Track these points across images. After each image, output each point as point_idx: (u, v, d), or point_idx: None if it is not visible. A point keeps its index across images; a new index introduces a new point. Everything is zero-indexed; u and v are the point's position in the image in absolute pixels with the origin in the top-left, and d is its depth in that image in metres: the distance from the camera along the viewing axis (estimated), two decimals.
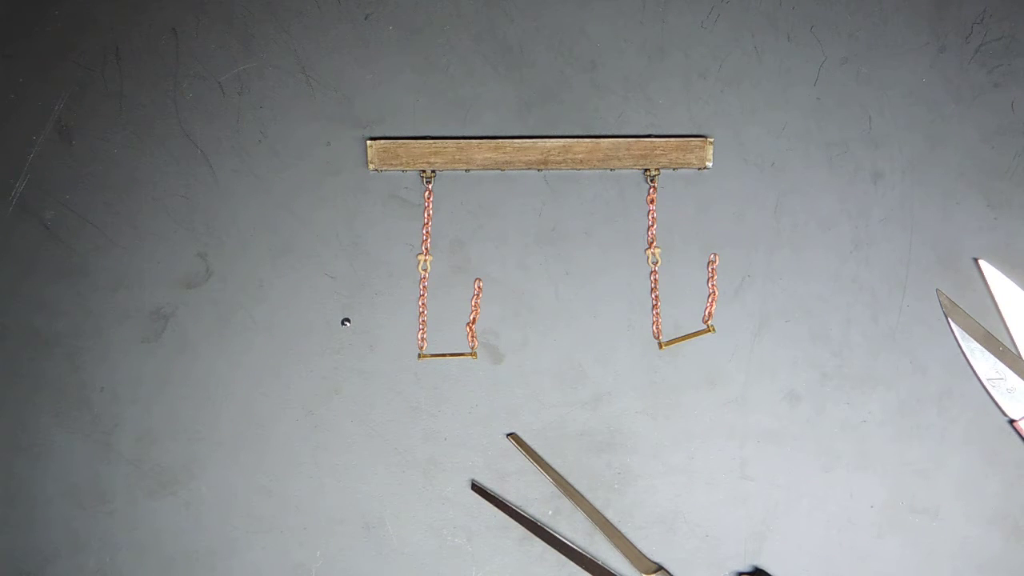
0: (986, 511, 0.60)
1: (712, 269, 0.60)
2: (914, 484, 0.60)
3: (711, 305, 0.60)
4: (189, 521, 0.60)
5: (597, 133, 0.60)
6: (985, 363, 0.58)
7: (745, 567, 0.59)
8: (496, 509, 0.59)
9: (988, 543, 0.60)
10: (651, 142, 0.59)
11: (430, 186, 0.60)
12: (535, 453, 0.59)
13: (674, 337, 0.60)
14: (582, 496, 0.59)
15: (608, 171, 0.60)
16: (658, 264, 0.60)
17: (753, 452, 0.60)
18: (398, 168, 0.59)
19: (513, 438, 0.59)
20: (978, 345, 0.58)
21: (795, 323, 0.60)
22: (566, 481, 0.59)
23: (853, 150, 0.60)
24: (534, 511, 0.60)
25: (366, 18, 0.60)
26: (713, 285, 0.60)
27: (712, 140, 0.59)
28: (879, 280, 0.60)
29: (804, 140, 0.60)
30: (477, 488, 0.59)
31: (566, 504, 0.60)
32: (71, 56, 0.60)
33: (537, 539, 0.60)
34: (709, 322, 0.60)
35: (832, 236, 0.60)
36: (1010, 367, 0.58)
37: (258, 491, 0.60)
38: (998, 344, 0.58)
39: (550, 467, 0.59)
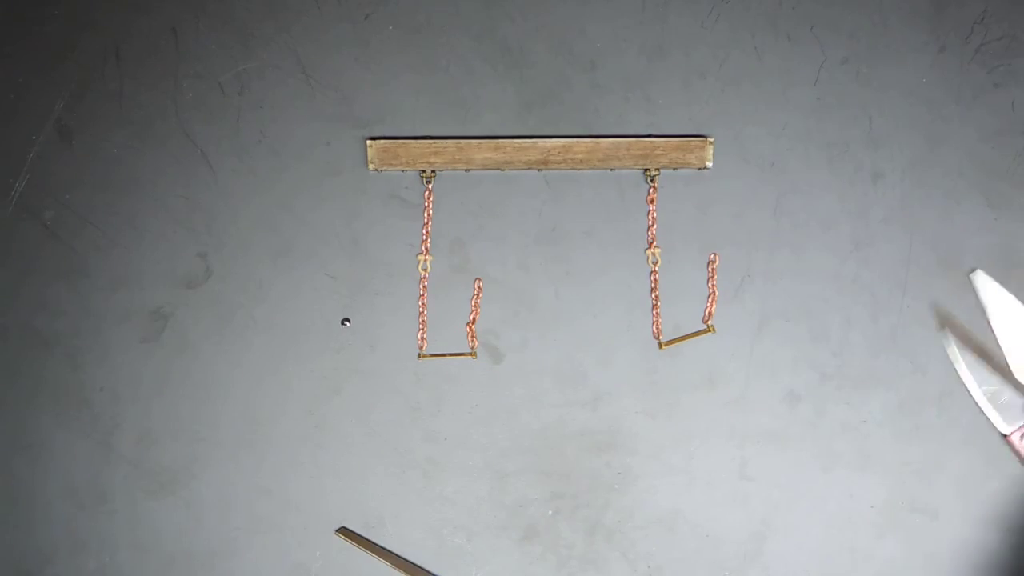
0: (986, 511, 0.60)
1: (712, 269, 0.60)
2: (914, 484, 0.60)
3: (711, 305, 0.60)
4: (189, 521, 0.60)
5: (597, 133, 0.60)
6: (978, 378, 0.58)
7: None
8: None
9: (988, 543, 0.60)
10: (651, 142, 0.59)
11: (430, 186, 0.60)
12: (370, 543, 0.59)
13: (674, 337, 0.60)
14: (424, 570, 0.59)
15: (608, 171, 0.60)
16: (658, 264, 0.60)
17: (753, 452, 0.60)
18: (398, 168, 0.59)
19: (343, 533, 0.59)
20: (973, 359, 0.58)
21: (795, 323, 0.60)
22: (406, 562, 0.59)
23: (853, 150, 0.60)
24: (534, 511, 0.60)
25: (366, 18, 0.60)
26: (713, 285, 0.60)
27: (712, 140, 0.59)
28: (879, 280, 0.60)
29: (804, 140, 0.60)
30: (345, 533, 0.59)
31: (566, 504, 0.60)
32: (71, 56, 0.60)
33: (537, 539, 0.60)
34: (709, 322, 0.60)
35: (832, 236, 0.60)
36: (1002, 382, 0.57)
37: (258, 491, 0.60)
38: (991, 358, 0.58)
39: (387, 553, 0.59)
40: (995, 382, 0.57)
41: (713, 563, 0.60)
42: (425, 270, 0.60)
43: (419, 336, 0.60)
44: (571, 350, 0.60)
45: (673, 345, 0.60)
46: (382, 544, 0.60)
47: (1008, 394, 0.57)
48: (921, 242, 0.60)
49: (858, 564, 0.60)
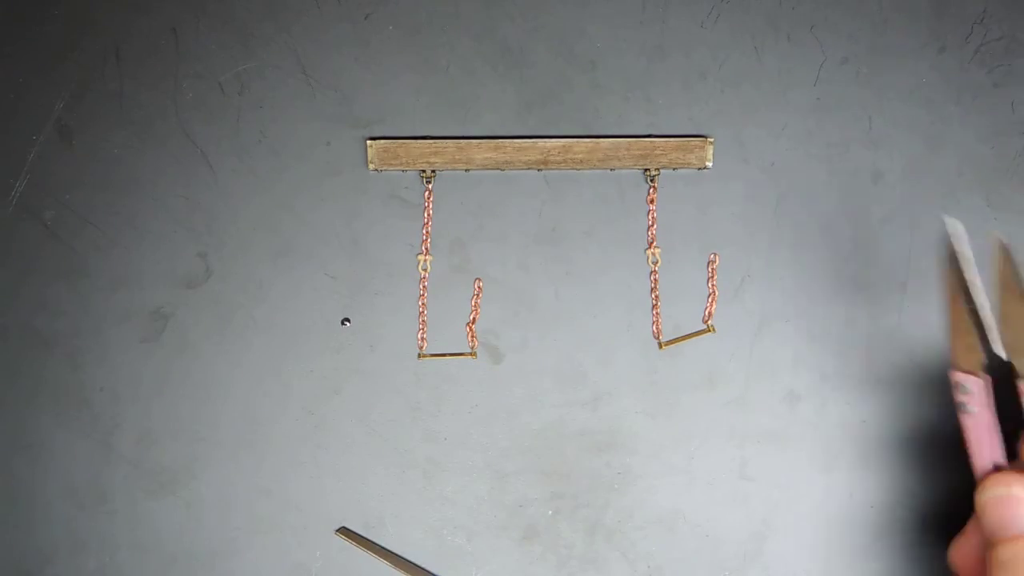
0: None
1: (712, 269, 0.60)
2: (914, 484, 0.60)
3: (711, 305, 0.60)
4: (189, 521, 0.60)
5: (597, 133, 0.60)
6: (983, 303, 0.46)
7: None
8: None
9: None
10: (651, 142, 0.59)
11: (430, 186, 0.60)
12: (370, 543, 0.59)
13: (674, 337, 0.60)
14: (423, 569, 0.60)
15: (608, 171, 0.60)
16: (658, 264, 0.60)
17: (753, 452, 0.60)
18: (398, 168, 0.59)
19: (343, 533, 0.59)
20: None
21: (795, 323, 0.60)
22: (406, 562, 0.59)
23: (853, 150, 0.60)
24: (534, 511, 0.60)
25: (366, 18, 0.60)
26: (713, 285, 0.60)
27: (712, 140, 0.59)
28: (879, 280, 0.60)
29: (804, 140, 0.60)
30: (345, 533, 0.59)
31: (566, 504, 0.60)
32: (71, 56, 0.60)
33: (537, 539, 0.60)
34: (709, 322, 0.60)
35: (832, 236, 0.60)
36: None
37: (258, 491, 0.60)
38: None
39: (387, 553, 0.59)
40: (978, 324, 0.46)
41: (713, 563, 0.60)
42: (425, 270, 0.60)
43: (419, 336, 0.60)
44: (571, 350, 0.60)
45: (673, 345, 0.60)
46: (382, 544, 0.60)
47: (979, 341, 0.46)
48: (921, 242, 0.60)
49: (858, 564, 0.60)
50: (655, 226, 0.60)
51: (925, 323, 0.60)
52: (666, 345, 0.60)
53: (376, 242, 0.60)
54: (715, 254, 0.60)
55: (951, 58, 0.60)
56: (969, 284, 0.45)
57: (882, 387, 0.60)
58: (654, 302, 0.60)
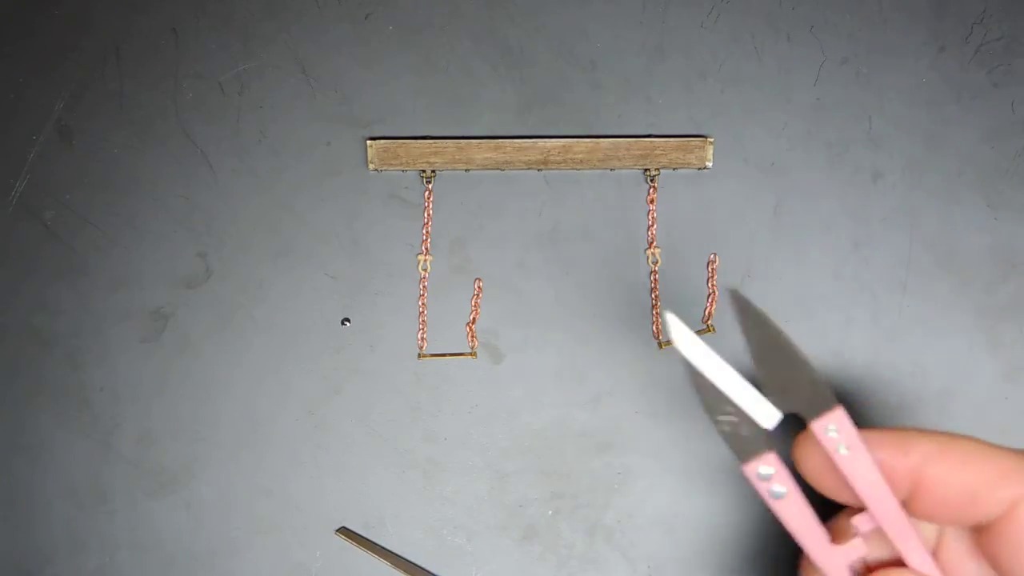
0: None
1: (712, 269, 0.60)
2: None
3: (711, 305, 0.60)
4: (189, 521, 0.60)
5: (597, 133, 0.60)
6: (716, 406, 0.42)
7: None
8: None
9: None
10: (651, 142, 0.59)
11: (430, 186, 0.60)
12: (370, 543, 0.59)
13: None
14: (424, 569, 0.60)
15: (608, 171, 0.60)
16: (658, 264, 0.60)
17: None
18: (398, 168, 0.59)
19: (343, 533, 0.59)
20: (713, 383, 0.43)
21: (795, 323, 0.60)
22: (406, 562, 0.59)
23: (853, 150, 0.60)
24: (534, 511, 0.60)
25: (366, 18, 0.60)
26: (713, 285, 0.60)
27: (712, 140, 0.59)
28: (879, 280, 0.60)
29: (804, 140, 0.60)
30: (345, 533, 0.59)
31: (566, 504, 0.60)
32: (71, 56, 0.60)
33: (537, 539, 0.60)
34: (709, 322, 0.60)
35: (832, 236, 0.60)
36: (742, 411, 0.43)
37: (258, 491, 0.60)
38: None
39: (387, 553, 0.59)
40: (734, 411, 0.43)
41: (713, 563, 0.60)
42: (425, 270, 0.60)
43: (419, 336, 0.60)
44: (571, 350, 0.60)
45: (673, 345, 0.60)
46: (382, 544, 0.60)
47: (748, 426, 0.42)
48: (921, 242, 0.60)
49: None
50: (655, 226, 0.60)
51: (926, 323, 0.60)
52: (666, 345, 0.60)
53: (376, 242, 0.60)
54: (715, 254, 0.60)
55: (951, 58, 0.60)
56: (706, 373, 0.42)
57: (882, 387, 0.60)
58: (654, 302, 0.60)
